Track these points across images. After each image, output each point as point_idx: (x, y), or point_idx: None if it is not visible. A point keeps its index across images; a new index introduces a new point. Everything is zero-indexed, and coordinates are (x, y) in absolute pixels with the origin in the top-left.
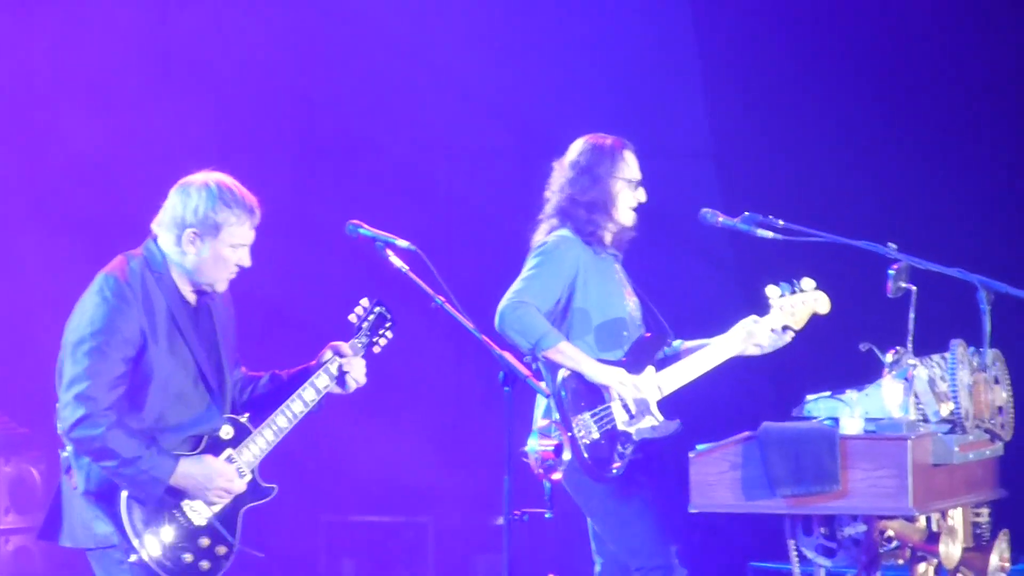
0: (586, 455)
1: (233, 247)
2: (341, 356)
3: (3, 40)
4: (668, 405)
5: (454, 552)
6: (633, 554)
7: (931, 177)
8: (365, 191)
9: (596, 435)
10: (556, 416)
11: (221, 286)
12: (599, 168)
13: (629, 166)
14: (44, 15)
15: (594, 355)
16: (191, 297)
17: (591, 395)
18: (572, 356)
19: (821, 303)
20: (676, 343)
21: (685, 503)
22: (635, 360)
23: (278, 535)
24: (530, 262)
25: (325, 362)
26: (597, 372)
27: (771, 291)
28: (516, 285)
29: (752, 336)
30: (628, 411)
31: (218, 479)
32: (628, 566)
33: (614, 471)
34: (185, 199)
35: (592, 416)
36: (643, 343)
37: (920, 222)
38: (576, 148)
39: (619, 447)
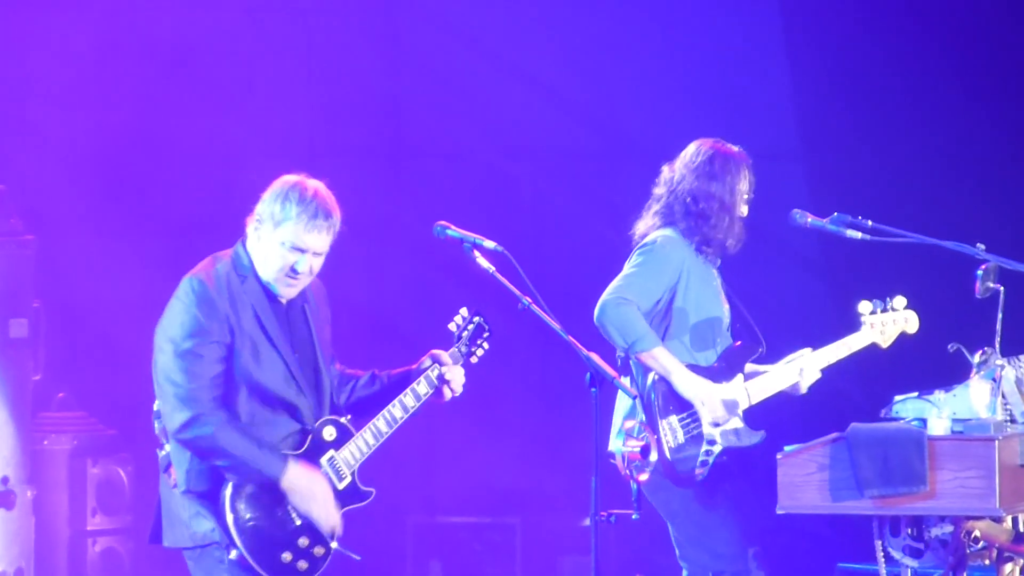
0: (670, 459)
1: (285, 245)
2: (441, 364)
3: (93, 39)
4: (754, 415)
5: (541, 553)
6: (714, 558)
7: (1020, 177)
8: (452, 192)
9: (681, 439)
10: (642, 417)
11: (283, 289)
12: (727, 176)
13: (748, 180)
14: (138, 13)
15: (688, 355)
16: (282, 299)
17: (680, 399)
18: (664, 364)
19: (911, 323)
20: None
21: (772, 504)
22: (726, 367)
23: (366, 536)
24: (635, 259)
25: (426, 369)
26: (685, 384)
27: (863, 307)
28: (619, 280)
29: (837, 354)
30: (716, 421)
31: (316, 505)
32: (709, 569)
33: (697, 476)
34: (267, 194)
35: (680, 420)
36: (735, 351)
37: (1009, 223)
38: (702, 151)
39: (703, 453)
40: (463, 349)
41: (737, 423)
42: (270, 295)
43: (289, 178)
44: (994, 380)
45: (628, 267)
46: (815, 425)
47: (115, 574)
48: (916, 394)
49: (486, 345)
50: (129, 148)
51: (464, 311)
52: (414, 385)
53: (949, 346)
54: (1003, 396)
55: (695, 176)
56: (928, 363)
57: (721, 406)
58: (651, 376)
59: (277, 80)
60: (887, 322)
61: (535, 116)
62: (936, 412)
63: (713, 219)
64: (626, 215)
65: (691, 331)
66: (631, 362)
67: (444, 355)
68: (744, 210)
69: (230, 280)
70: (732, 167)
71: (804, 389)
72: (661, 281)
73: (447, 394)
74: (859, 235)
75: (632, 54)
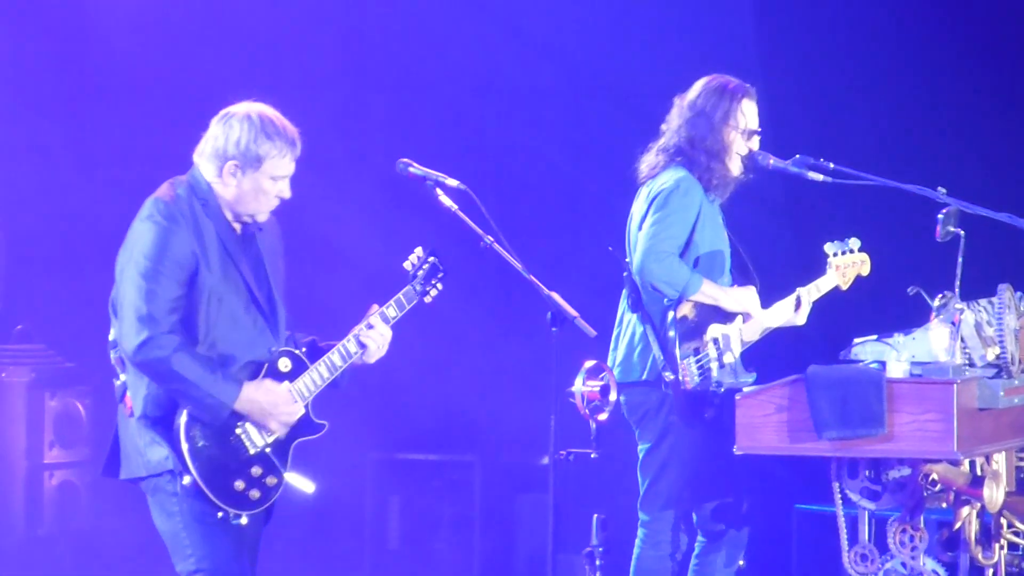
0: (687, 399)
1: (274, 179)
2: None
3: None
4: (745, 356)
5: (499, 491)
6: (700, 500)
7: (983, 122)
8: (416, 129)
9: (696, 379)
10: (660, 357)
11: (262, 217)
12: (716, 114)
13: (745, 114)
14: None
15: None
16: (236, 225)
17: (698, 340)
18: (713, 294)
19: (866, 265)
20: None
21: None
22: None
23: (326, 471)
24: (658, 209)
25: (383, 309)
26: (736, 303)
27: (829, 248)
28: (650, 234)
29: (811, 297)
30: (720, 356)
31: (282, 405)
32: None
33: (706, 416)
34: (227, 130)
35: (696, 361)
36: None
37: (970, 167)
38: (697, 88)
39: (712, 394)
40: (418, 288)
41: (736, 361)
42: (227, 221)
43: (247, 109)
44: (953, 324)
45: (653, 217)
46: (774, 366)
47: (72, 507)
48: (875, 337)
49: (440, 286)
50: (89, 74)
51: (419, 250)
52: (371, 319)
53: (909, 289)
54: (962, 340)
55: (690, 117)
56: (888, 306)
57: (765, 318)
58: (670, 315)
59: (240, 10)
60: (848, 264)
61: (499, 53)
62: (895, 355)
63: (704, 163)
64: (589, 153)
65: (697, 265)
66: (645, 304)
67: (376, 316)
68: (750, 144)
69: (192, 204)
70: (720, 102)
71: (801, 321)
72: (686, 223)
73: (371, 348)
74: (821, 177)
75: None
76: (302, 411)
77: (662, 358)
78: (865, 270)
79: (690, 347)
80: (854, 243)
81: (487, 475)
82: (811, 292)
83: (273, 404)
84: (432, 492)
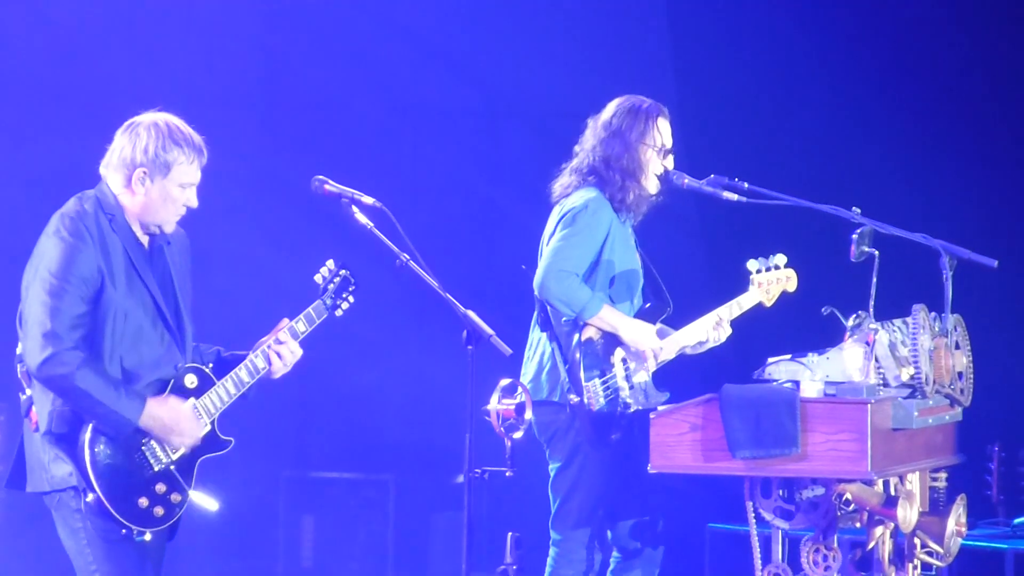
0: (593, 421)
1: (182, 186)
2: (293, 336)
3: None
4: (656, 376)
5: (414, 509)
6: (612, 518)
7: (896, 142)
8: (331, 147)
9: (602, 402)
10: (565, 379)
11: (169, 227)
12: (631, 133)
13: (661, 133)
14: None
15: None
16: (144, 239)
17: (604, 362)
18: (611, 321)
19: (792, 281)
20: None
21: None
22: None
23: (238, 490)
24: (565, 227)
25: (292, 323)
26: (633, 335)
27: (751, 265)
28: (553, 251)
29: (731, 315)
30: (628, 376)
31: (183, 423)
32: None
33: (613, 438)
34: (134, 139)
35: (602, 383)
36: (644, 313)
37: (884, 187)
38: (611, 108)
39: (619, 416)
40: (328, 302)
41: (647, 381)
42: (135, 236)
43: (152, 118)
44: (867, 344)
45: (559, 235)
46: (688, 385)
47: None
48: (789, 356)
49: (351, 299)
50: None
51: (330, 263)
52: (279, 334)
53: (823, 309)
54: (877, 360)
55: (604, 137)
56: (802, 326)
57: (655, 359)
58: (575, 337)
59: (153, 25)
60: (772, 281)
61: (415, 71)
62: (809, 374)
63: (619, 182)
64: (504, 172)
65: (612, 284)
66: (553, 324)
67: (285, 331)
68: (665, 163)
69: (98, 219)
70: (635, 122)
71: (722, 339)
72: (593, 244)
73: (276, 365)
74: (735, 197)
75: (510, 10)
76: (206, 429)
77: (568, 381)
78: (791, 286)
79: (596, 369)
80: (779, 259)
81: (402, 494)
82: (732, 310)
83: (175, 421)
84: (346, 511)
